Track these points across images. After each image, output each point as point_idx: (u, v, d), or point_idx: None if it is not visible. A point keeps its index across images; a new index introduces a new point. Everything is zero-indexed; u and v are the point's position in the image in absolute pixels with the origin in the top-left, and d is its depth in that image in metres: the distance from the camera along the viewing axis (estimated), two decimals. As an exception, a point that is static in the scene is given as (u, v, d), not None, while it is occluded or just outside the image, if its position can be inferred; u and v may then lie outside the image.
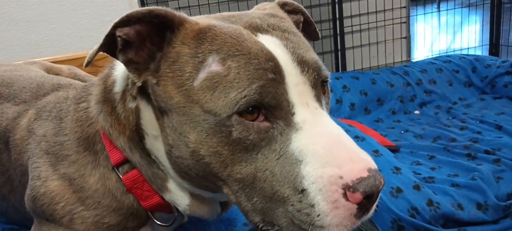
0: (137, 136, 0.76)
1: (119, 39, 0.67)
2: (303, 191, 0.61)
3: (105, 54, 0.70)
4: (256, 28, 0.70)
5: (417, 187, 1.61)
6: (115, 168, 0.79)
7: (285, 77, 0.64)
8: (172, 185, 0.78)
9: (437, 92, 2.74)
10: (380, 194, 1.58)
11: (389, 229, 1.56)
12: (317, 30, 0.94)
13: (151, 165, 0.77)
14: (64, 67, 1.45)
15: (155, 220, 0.83)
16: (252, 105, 0.62)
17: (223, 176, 0.66)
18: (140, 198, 0.80)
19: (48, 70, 1.38)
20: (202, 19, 0.72)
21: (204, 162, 0.66)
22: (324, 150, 0.61)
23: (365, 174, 0.59)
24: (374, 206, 0.65)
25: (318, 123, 0.64)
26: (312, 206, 0.60)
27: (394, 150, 2.07)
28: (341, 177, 0.59)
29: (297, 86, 0.65)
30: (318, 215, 0.60)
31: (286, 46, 0.68)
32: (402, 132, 2.38)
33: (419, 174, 1.81)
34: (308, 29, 0.93)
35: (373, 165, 0.62)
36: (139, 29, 0.67)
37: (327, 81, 0.74)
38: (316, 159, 0.61)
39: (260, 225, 0.67)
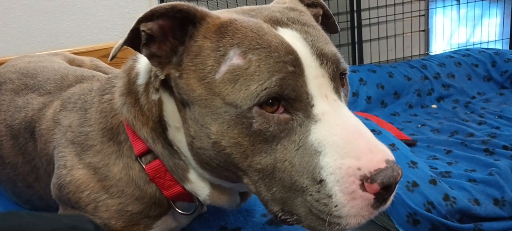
0: (160, 127, 0.78)
1: (143, 33, 0.68)
2: (321, 181, 0.62)
3: (125, 47, 0.72)
4: (276, 22, 0.72)
5: (433, 182, 1.61)
6: (138, 158, 0.81)
7: (305, 70, 0.65)
8: (193, 175, 0.80)
9: (455, 87, 2.71)
10: (396, 188, 1.56)
11: (405, 223, 1.57)
12: (336, 22, 0.95)
13: (173, 155, 0.79)
14: (86, 59, 1.48)
15: (177, 209, 0.85)
16: (272, 97, 0.63)
17: (244, 166, 0.68)
18: (162, 188, 0.82)
19: (70, 62, 1.41)
20: (223, 14, 0.73)
21: (225, 153, 0.67)
22: (343, 141, 0.62)
23: (383, 165, 0.60)
24: (392, 197, 0.66)
25: (337, 114, 0.66)
26: (330, 196, 0.62)
27: (410, 144, 2.06)
28: (359, 168, 0.60)
29: (316, 79, 0.66)
30: (336, 206, 0.61)
31: (306, 39, 0.69)
32: (419, 126, 2.37)
33: (436, 168, 1.81)
34: (327, 22, 0.94)
35: (391, 156, 0.63)
36: (162, 24, 0.69)
37: (345, 73, 0.75)
38: (335, 150, 0.62)
39: (279, 214, 0.69)
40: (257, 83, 0.63)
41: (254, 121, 0.64)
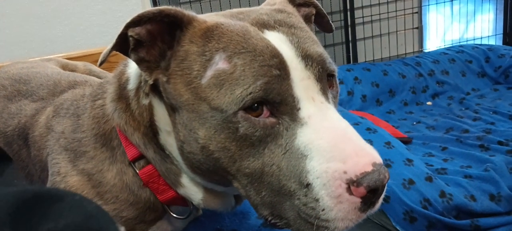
0: (151, 132, 0.78)
1: (131, 38, 0.68)
2: (308, 185, 0.62)
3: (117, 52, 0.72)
4: (263, 25, 0.71)
5: (429, 179, 1.61)
6: (132, 163, 0.81)
7: (290, 72, 0.65)
8: (185, 180, 0.80)
9: (449, 83, 2.72)
10: (392, 186, 1.57)
11: (402, 221, 1.57)
12: (330, 21, 0.95)
13: (165, 160, 0.79)
14: (79, 63, 1.47)
15: (171, 213, 0.85)
16: (257, 101, 0.63)
17: (233, 171, 0.68)
18: (156, 192, 0.82)
19: (64, 67, 1.40)
20: (210, 17, 0.73)
21: (213, 157, 0.67)
22: (329, 145, 0.62)
23: (369, 168, 0.60)
24: (380, 200, 0.66)
25: (324, 117, 0.65)
26: (317, 200, 0.62)
27: (406, 141, 2.06)
28: (345, 172, 0.60)
29: (302, 81, 0.66)
30: (323, 210, 0.61)
31: (291, 41, 0.69)
32: (414, 123, 2.37)
33: (432, 165, 1.81)
34: (321, 22, 0.93)
35: (378, 159, 0.63)
36: (150, 29, 0.69)
37: (334, 75, 0.74)
38: (321, 154, 0.62)
39: (269, 218, 0.69)
40: (242, 87, 0.62)
41: (240, 125, 0.63)
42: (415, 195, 1.57)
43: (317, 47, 0.72)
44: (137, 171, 0.81)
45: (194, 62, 0.67)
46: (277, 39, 0.68)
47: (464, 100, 2.55)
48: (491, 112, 2.30)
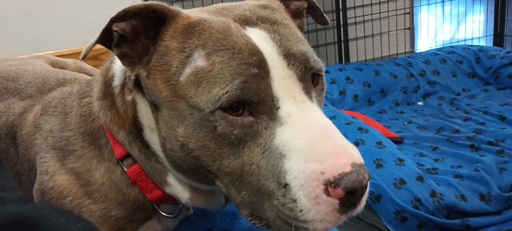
0: (136, 129, 0.77)
1: (115, 33, 0.67)
2: (286, 185, 0.61)
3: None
4: (245, 21, 0.70)
5: (420, 178, 1.62)
6: (120, 162, 0.80)
7: (270, 71, 0.64)
8: (171, 179, 0.79)
9: (440, 84, 2.73)
10: (383, 186, 1.57)
11: (393, 220, 1.57)
12: (324, 14, 0.93)
13: (150, 159, 0.78)
14: (69, 61, 1.45)
15: (161, 212, 0.84)
16: (235, 101, 0.62)
17: (213, 169, 0.67)
18: (145, 191, 0.81)
19: (53, 64, 1.38)
20: (194, 13, 0.72)
21: (193, 155, 0.66)
22: (308, 144, 0.60)
23: (347, 169, 0.58)
24: (363, 202, 0.64)
25: (304, 116, 0.64)
26: (295, 201, 0.60)
27: (397, 141, 2.07)
28: (322, 173, 0.58)
29: (283, 80, 0.64)
30: (301, 211, 0.60)
31: (273, 39, 0.67)
32: (406, 123, 2.38)
33: (423, 165, 1.82)
34: (315, 15, 0.92)
35: (358, 159, 0.61)
36: (135, 24, 0.68)
37: (319, 73, 0.72)
38: (299, 154, 0.60)
39: (249, 219, 0.68)
40: (219, 87, 0.61)
41: (217, 124, 0.62)
42: (406, 195, 1.57)
43: (300, 46, 0.69)
44: (125, 170, 0.80)
45: (173, 58, 0.66)
46: (258, 37, 0.67)
47: (455, 100, 2.57)
48: (481, 113, 2.31)
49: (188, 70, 0.64)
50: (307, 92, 0.67)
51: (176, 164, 0.72)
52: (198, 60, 0.64)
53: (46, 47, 2.21)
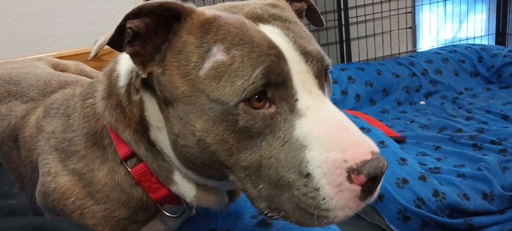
0: (142, 128, 0.78)
1: (129, 30, 0.67)
2: (308, 175, 0.62)
3: (111, 49, 0.71)
4: (257, 18, 0.71)
5: (423, 178, 1.61)
6: (123, 162, 0.80)
7: (288, 64, 0.65)
8: (178, 177, 0.79)
9: (442, 83, 2.73)
10: (386, 185, 1.57)
11: (395, 220, 1.57)
12: (321, 16, 0.95)
13: (156, 157, 0.78)
14: (70, 63, 1.46)
15: (164, 212, 0.84)
16: (259, 91, 0.63)
17: (229, 164, 0.67)
18: (148, 191, 0.81)
19: (55, 66, 1.38)
20: (207, 10, 0.72)
21: (210, 150, 0.67)
22: (328, 135, 0.62)
23: (368, 156, 0.61)
24: (378, 189, 0.66)
25: (321, 109, 0.66)
26: (317, 189, 0.62)
27: (399, 140, 2.07)
28: (345, 161, 0.60)
29: (300, 74, 0.66)
30: (324, 199, 0.61)
31: (287, 35, 0.69)
32: (408, 122, 2.38)
33: (425, 164, 1.82)
34: (313, 16, 0.93)
35: (376, 148, 0.63)
36: (148, 22, 0.68)
37: (328, 69, 0.74)
38: (321, 144, 0.62)
39: (265, 212, 0.69)
40: (242, 79, 0.62)
41: (240, 117, 0.63)
42: (408, 194, 1.57)
43: (314, 44, 0.71)
44: (129, 170, 0.80)
45: (191, 53, 0.67)
46: (272, 33, 0.68)
47: (457, 99, 2.56)
48: (483, 112, 2.31)
49: (207, 64, 0.65)
50: (322, 87, 0.69)
51: (188, 161, 0.72)
52: (218, 55, 0.65)
53: (48, 48, 2.21)
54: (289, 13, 0.77)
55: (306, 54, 0.68)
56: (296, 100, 0.65)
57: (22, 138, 0.94)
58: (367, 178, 0.60)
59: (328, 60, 0.72)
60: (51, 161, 0.85)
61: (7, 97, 1.06)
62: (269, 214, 0.68)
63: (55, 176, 0.83)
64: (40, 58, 1.45)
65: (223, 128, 0.64)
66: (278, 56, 0.64)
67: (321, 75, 0.70)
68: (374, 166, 0.60)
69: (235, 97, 0.62)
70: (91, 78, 1.16)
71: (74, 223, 0.79)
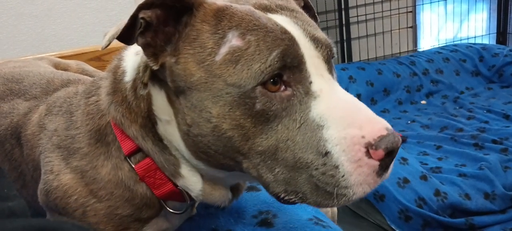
0: (150, 122, 0.78)
1: (142, 21, 0.68)
2: (327, 153, 0.64)
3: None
4: (266, 9, 0.74)
5: (424, 177, 1.61)
6: (127, 158, 0.80)
7: (301, 48, 0.67)
8: (185, 170, 0.80)
9: (444, 82, 2.73)
10: (387, 185, 1.57)
11: (397, 219, 1.57)
12: (317, 15, 0.97)
13: (164, 151, 0.79)
14: (72, 62, 1.46)
15: (168, 208, 0.84)
16: (276, 74, 0.65)
17: (245, 150, 0.68)
18: (152, 187, 0.81)
19: (56, 66, 1.39)
20: (217, 0, 0.74)
21: (226, 137, 0.68)
22: (344, 114, 0.65)
23: (384, 132, 0.63)
24: (392, 165, 0.68)
25: (334, 91, 0.68)
26: (336, 167, 0.63)
27: (401, 140, 2.07)
28: (363, 137, 0.62)
29: (312, 59, 0.68)
30: (343, 176, 0.63)
31: (296, 23, 0.71)
32: (409, 122, 2.38)
33: (426, 164, 1.82)
34: (308, 14, 0.95)
35: (389, 125, 0.65)
36: (158, 13, 0.69)
37: (333, 57, 0.77)
38: (337, 122, 0.64)
39: (282, 195, 0.69)
40: (259, 62, 0.64)
41: (257, 100, 0.65)
42: (410, 194, 1.57)
43: (321, 32, 0.74)
44: (133, 166, 0.80)
45: (207, 40, 0.68)
46: (282, 21, 0.70)
47: (458, 99, 2.56)
48: (485, 111, 2.31)
49: (223, 50, 0.67)
50: (331, 72, 0.72)
51: (201, 151, 0.73)
52: (233, 40, 0.66)
53: (49, 48, 2.21)
54: (293, 5, 0.80)
55: (315, 40, 0.70)
56: (311, 83, 0.67)
57: (24, 135, 0.95)
58: (385, 153, 0.62)
59: (334, 48, 0.76)
60: (53, 159, 0.85)
61: (10, 95, 1.06)
62: (286, 198, 0.69)
63: (58, 174, 0.83)
64: (41, 58, 1.45)
65: (240, 112, 0.66)
66: (291, 40, 0.67)
67: (330, 61, 0.72)
68: (391, 141, 0.62)
69: (252, 81, 0.64)
70: (93, 77, 1.16)
71: (76, 224, 0.79)
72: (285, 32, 0.67)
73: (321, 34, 0.73)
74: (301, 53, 0.67)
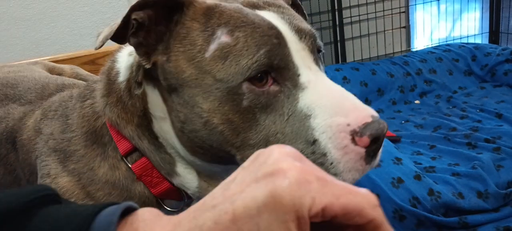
0: (145, 120, 0.79)
1: (134, 22, 0.69)
2: (315, 142, 0.65)
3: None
4: (254, 6, 0.76)
5: (418, 177, 1.63)
6: (124, 158, 0.81)
7: (288, 43, 0.69)
8: (180, 168, 0.81)
9: (437, 82, 2.75)
10: (381, 184, 1.58)
11: (391, 219, 1.58)
12: (312, 18, 0.98)
13: (159, 150, 0.80)
14: (66, 67, 1.46)
15: (166, 207, 0.85)
16: (262, 70, 0.66)
17: (237, 143, 0.70)
18: (149, 186, 0.82)
19: (51, 70, 1.39)
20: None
21: (217, 131, 0.69)
22: (331, 102, 0.66)
23: (369, 119, 0.64)
24: (380, 153, 0.70)
25: (321, 82, 0.70)
26: (325, 155, 0.65)
27: (395, 140, 2.08)
28: (348, 124, 0.64)
29: (298, 52, 0.70)
30: (332, 163, 0.65)
31: (283, 18, 0.73)
32: (403, 122, 2.39)
33: (420, 163, 1.83)
34: (297, 12, 0.96)
35: (375, 113, 0.67)
36: (150, 14, 0.71)
37: (320, 51, 0.79)
38: (324, 111, 0.66)
39: None
40: (247, 58, 0.66)
41: (244, 97, 0.66)
42: (404, 194, 1.58)
43: (306, 24, 0.76)
44: (130, 165, 0.81)
45: (197, 37, 0.70)
46: (269, 17, 0.72)
47: (452, 98, 2.58)
48: (478, 110, 2.33)
49: (213, 46, 0.68)
50: (317, 64, 0.73)
51: (196, 146, 0.74)
52: (222, 37, 0.68)
53: (42, 52, 2.21)
54: (280, 1, 0.82)
55: (299, 32, 0.72)
56: (299, 75, 0.69)
57: (19, 140, 0.95)
58: (370, 139, 0.64)
59: (320, 42, 0.77)
60: (50, 163, 0.85)
61: (4, 100, 1.07)
62: None
63: (55, 177, 0.83)
64: (36, 62, 1.45)
65: (229, 107, 0.68)
66: (278, 37, 0.68)
67: (315, 51, 0.74)
68: (375, 128, 0.64)
69: (240, 76, 0.66)
70: (87, 81, 1.16)
71: None
72: (272, 27, 0.69)
73: (305, 25, 0.75)
74: (288, 52, 0.68)
